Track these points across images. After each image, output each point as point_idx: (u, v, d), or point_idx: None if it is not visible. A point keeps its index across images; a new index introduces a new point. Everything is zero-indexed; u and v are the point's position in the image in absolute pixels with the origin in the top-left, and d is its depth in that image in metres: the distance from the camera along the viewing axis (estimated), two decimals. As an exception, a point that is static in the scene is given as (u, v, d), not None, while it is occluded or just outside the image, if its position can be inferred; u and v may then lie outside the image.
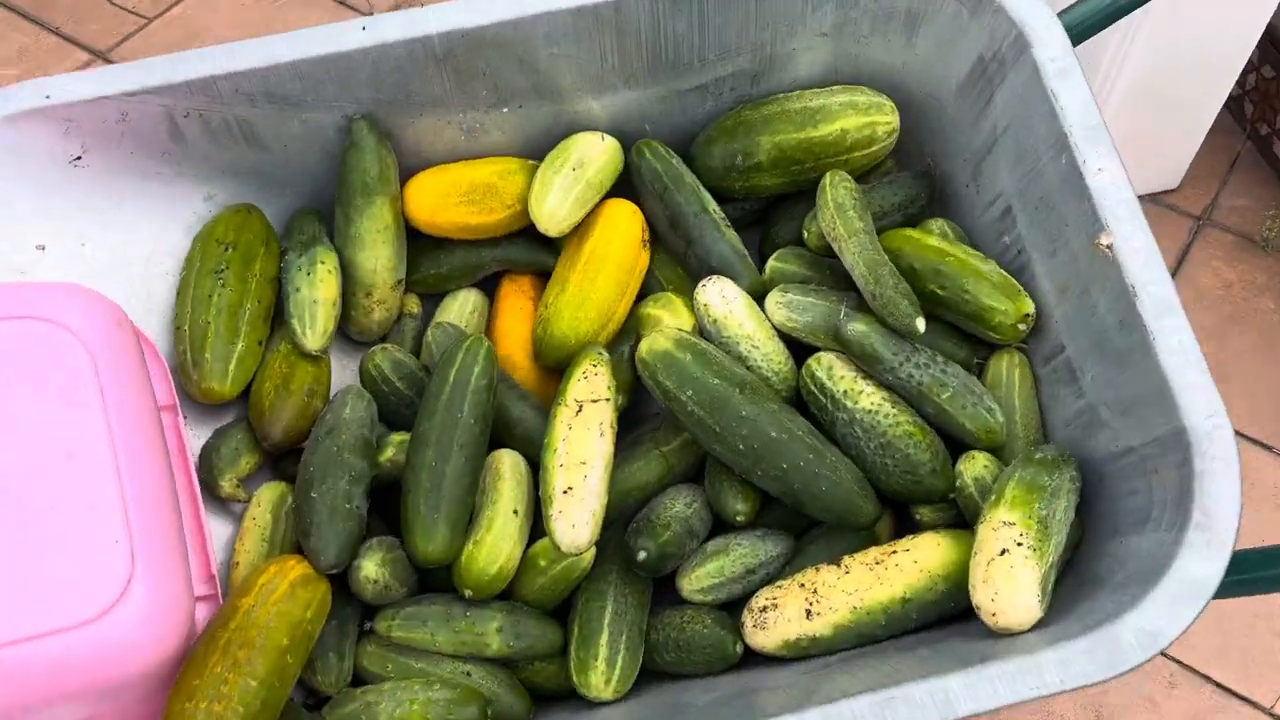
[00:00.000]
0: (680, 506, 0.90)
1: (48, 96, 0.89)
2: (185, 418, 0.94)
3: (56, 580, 0.70)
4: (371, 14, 1.75)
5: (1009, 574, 0.75)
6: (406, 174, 1.01)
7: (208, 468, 0.92)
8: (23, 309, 0.77)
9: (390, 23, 0.90)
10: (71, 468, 0.74)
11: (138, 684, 0.73)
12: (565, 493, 0.85)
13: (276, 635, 0.78)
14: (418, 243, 1.04)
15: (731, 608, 0.89)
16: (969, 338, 0.93)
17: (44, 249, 0.92)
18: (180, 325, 0.93)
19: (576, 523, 0.84)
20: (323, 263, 0.96)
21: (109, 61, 2.06)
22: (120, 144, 0.93)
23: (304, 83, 0.92)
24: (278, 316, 0.98)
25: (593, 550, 0.87)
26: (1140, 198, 0.81)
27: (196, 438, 0.95)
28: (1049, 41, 0.86)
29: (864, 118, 0.96)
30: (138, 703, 0.77)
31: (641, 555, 0.86)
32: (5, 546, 0.69)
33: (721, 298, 0.93)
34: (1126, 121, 1.54)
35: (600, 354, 0.92)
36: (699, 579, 0.88)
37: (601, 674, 0.85)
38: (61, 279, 0.91)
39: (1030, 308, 0.88)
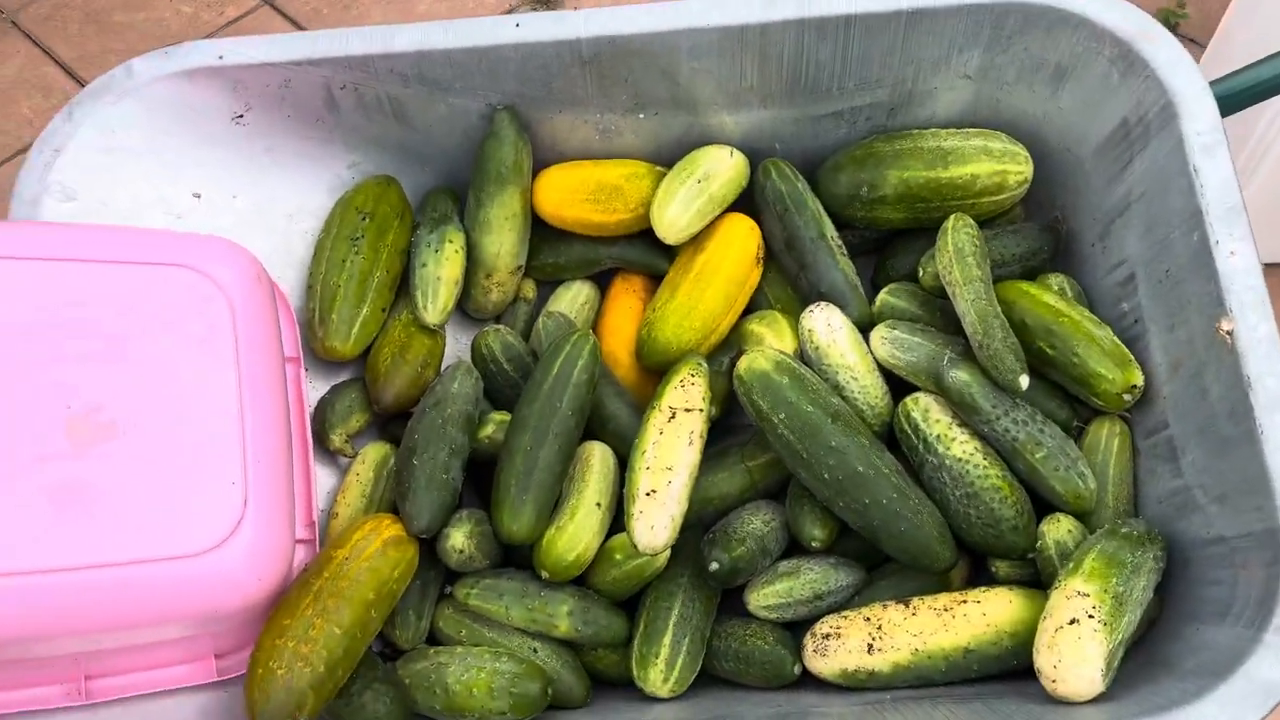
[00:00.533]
0: (758, 523, 0.93)
1: (221, 57, 0.95)
2: (307, 371, 1.00)
3: (177, 512, 0.76)
4: (552, 5, 1.77)
5: (1075, 644, 0.75)
6: (539, 165, 1.05)
7: (321, 421, 0.98)
8: (175, 257, 0.84)
9: (542, 22, 0.93)
10: (201, 409, 0.80)
11: (236, 615, 0.79)
12: (649, 495, 0.88)
13: (364, 589, 0.83)
14: (540, 232, 1.08)
15: (795, 629, 0.91)
16: (1073, 400, 0.93)
17: (199, 197, 0.99)
18: (313, 284, 0.99)
19: (656, 525, 0.87)
20: (450, 242, 1.01)
21: (279, 9, 2.16)
22: (280, 107, 0.99)
23: (454, 70, 0.96)
24: (403, 287, 1.03)
25: (668, 552, 0.90)
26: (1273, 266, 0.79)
27: (314, 390, 1.01)
28: (1198, 115, 0.84)
29: (996, 164, 0.96)
30: (232, 632, 0.83)
31: (714, 566, 0.89)
32: (135, 477, 0.75)
33: (827, 325, 0.94)
34: (1273, 190, 1.49)
35: (700, 364, 0.94)
36: (766, 596, 0.90)
37: (661, 671, 0.88)
38: (212, 227, 0.97)
39: (1139, 379, 0.87)
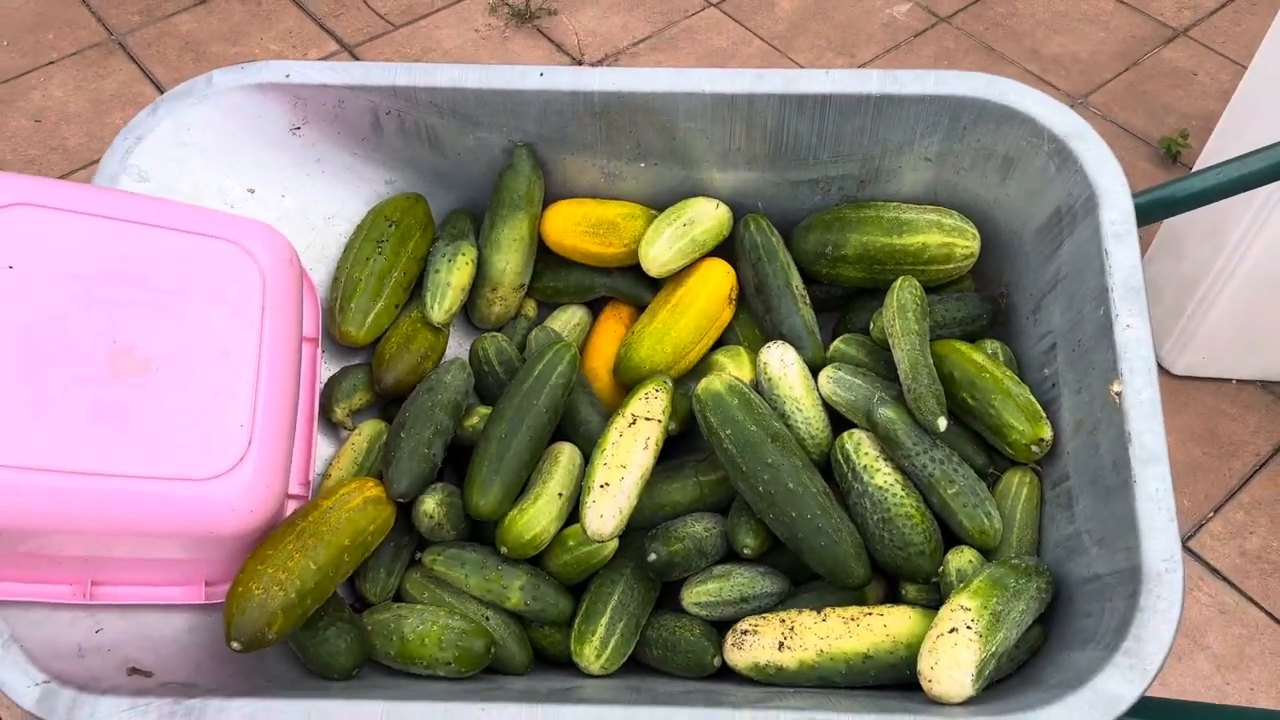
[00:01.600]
0: (699, 529, 1.03)
1: (288, 75, 1.11)
2: (323, 352, 1.13)
3: (191, 442, 0.89)
4: (582, 61, 1.97)
5: (951, 650, 0.85)
6: (550, 198, 1.19)
7: (328, 395, 1.11)
8: (222, 232, 0.98)
9: (563, 75, 1.08)
10: (224, 361, 0.93)
11: (228, 541, 0.91)
12: (602, 487, 0.99)
13: (341, 535, 0.94)
14: (546, 258, 1.22)
15: (722, 628, 1.01)
16: (991, 450, 1.03)
17: (253, 193, 1.14)
18: (338, 276, 1.13)
19: (605, 514, 0.98)
20: (463, 254, 1.15)
21: (354, 55, 2.37)
22: (332, 124, 1.14)
23: (484, 108, 1.11)
24: (417, 290, 1.17)
25: (615, 543, 1.01)
26: (1248, 383, 0.89)
27: (326, 369, 1.15)
28: (1115, 206, 0.96)
29: (946, 237, 1.08)
30: (221, 561, 0.95)
31: (652, 557, 0.99)
32: (160, 407, 0.88)
33: (780, 361, 1.06)
34: (1245, 304, 1.58)
35: (665, 382, 1.06)
36: (698, 594, 1.01)
37: (595, 648, 0.98)
38: (259, 219, 1.12)
39: (1046, 433, 0.97)
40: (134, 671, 0.89)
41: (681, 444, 1.16)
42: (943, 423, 0.97)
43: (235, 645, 0.87)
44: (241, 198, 1.13)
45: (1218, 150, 1.69)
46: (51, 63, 2.32)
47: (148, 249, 0.94)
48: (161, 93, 2.22)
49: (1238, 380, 1.76)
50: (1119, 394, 0.89)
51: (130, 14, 2.43)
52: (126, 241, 0.93)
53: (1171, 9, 2.43)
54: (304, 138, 1.15)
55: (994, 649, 0.85)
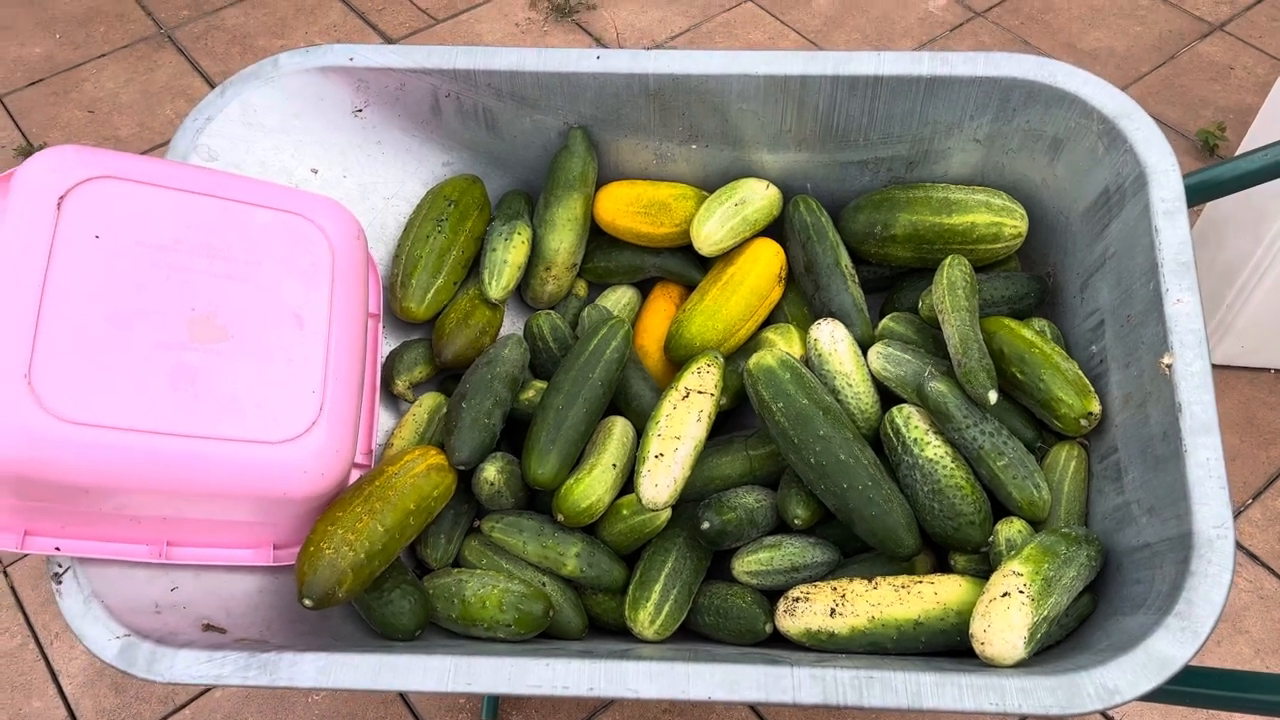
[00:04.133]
0: (750, 499, 1.06)
1: (351, 59, 1.14)
2: (384, 326, 1.17)
3: (266, 406, 0.92)
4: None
5: (1004, 613, 0.87)
6: (602, 180, 1.22)
7: (390, 367, 1.14)
8: (293, 206, 1.02)
9: (618, 57, 1.11)
10: (297, 330, 0.97)
11: (299, 503, 0.94)
12: (657, 457, 1.02)
13: (406, 499, 0.98)
14: (597, 239, 1.25)
15: (774, 596, 1.03)
16: (1040, 424, 1.05)
17: (316, 173, 1.18)
18: (399, 254, 1.17)
19: (659, 484, 1.01)
20: (519, 234, 1.18)
21: (395, 49, 2.41)
22: (394, 107, 1.18)
23: (541, 90, 1.14)
24: (474, 267, 1.20)
25: (668, 512, 1.03)
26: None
27: (388, 344, 1.18)
28: (1165, 184, 0.98)
29: (994, 217, 1.10)
30: (290, 524, 0.98)
31: (705, 525, 1.02)
32: (237, 373, 0.92)
33: (831, 337, 1.08)
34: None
35: (716, 357, 1.09)
36: (749, 563, 1.03)
37: (649, 614, 1.00)
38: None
39: (1095, 407, 0.99)
40: (209, 628, 0.93)
41: (730, 421, 1.18)
42: (993, 396, 0.99)
43: (307, 602, 0.90)
44: (305, 177, 1.16)
45: (1256, 143, 1.70)
46: (103, 55, 2.37)
47: (223, 221, 0.97)
48: (211, 84, 2.27)
49: (1276, 370, 1.77)
50: (1169, 366, 0.91)
51: (178, 8, 2.48)
52: (203, 214, 0.97)
53: (1208, 4, 2.43)
54: (366, 120, 1.19)
55: (1046, 613, 0.87)
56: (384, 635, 0.99)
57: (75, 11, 2.47)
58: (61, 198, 0.90)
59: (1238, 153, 1.78)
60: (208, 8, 2.47)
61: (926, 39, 2.36)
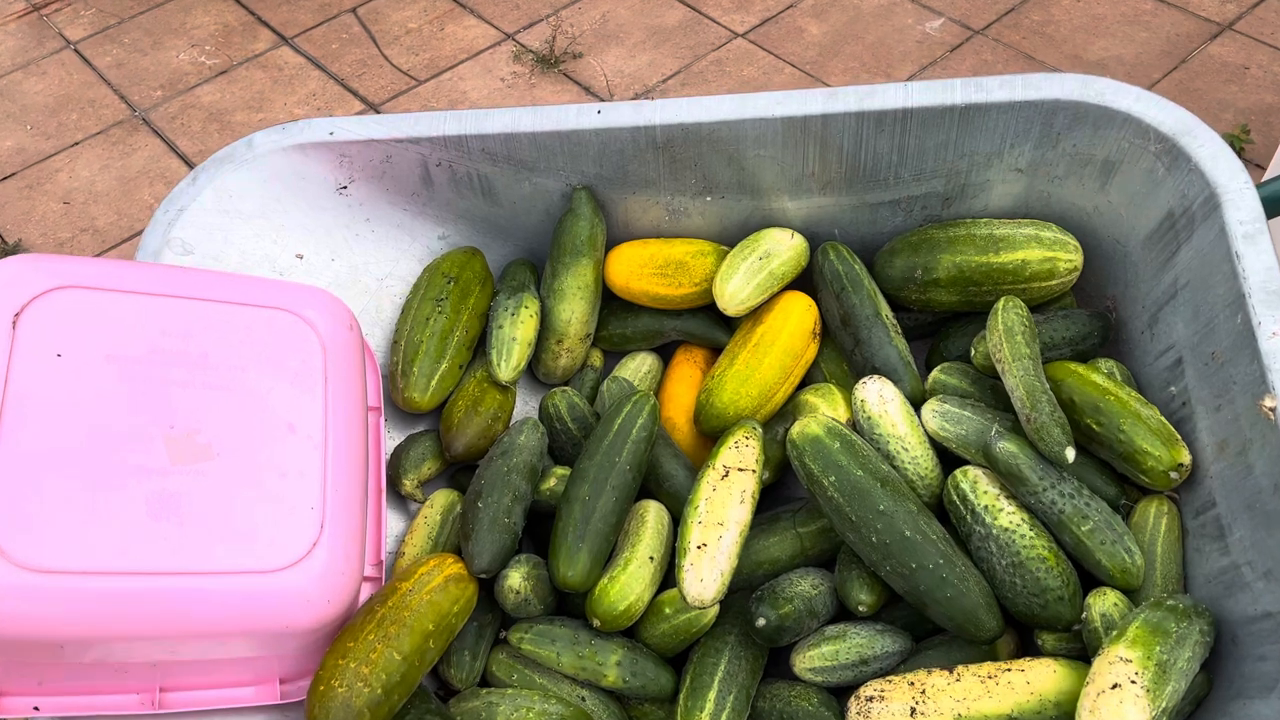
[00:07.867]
0: (806, 586, 0.95)
1: (331, 133, 1.06)
2: (386, 420, 1.06)
3: (259, 530, 0.82)
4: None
5: (1117, 708, 0.75)
6: (612, 242, 1.13)
7: (395, 466, 1.04)
8: (277, 301, 0.92)
9: (620, 110, 1.02)
10: (290, 438, 0.86)
11: (305, 634, 0.84)
12: (699, 548, 0.91)
13: (424, 620, 0.87)
14: (611, 304, 1.15)
15: (841, 694, 0.92)
16: (1121, 478, 0.94)
17: (302, 258, 1.08)
18: (398, 340, 1.07)
19: (705, 578, 0.90)
20: (526, 307, 1.08)
21: (380, 113, 2.33)
22: (381, 180, 1.09)
23: (539, 151, 1.05)
24: (480, 347, 1.10)
25: (716, 608, 0.93)
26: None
27: (391, 439, 1.08)
28: (1240, 205, 0.88)
29: (1047, 252, 1.00)
30: (297, 656, 0.87)
31: (760, 622, 0.91)
32: (225, 495, 0.82)
33: (880, 397, 0.98)
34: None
35: (754, 428, 0.98)
36: (812, 659, 0.92)
37: (704, 727, 0.89)
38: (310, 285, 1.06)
39: (1185, 458, 0.89)
40: (212, 785, 0.82)
41: (769, 493, 1.08)
42: (1070, 453, 0.88)
43: (320, 752, 0.79)
44: (290, 264, 1.07)
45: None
46: (76, 144, 2.30)
47: (200, 324, 0.88)
48: (190, 165, 2.19)
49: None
50: (1273, 409, 0.80)
51: (152, 89, 2.41)
52: (177, 318, 0.87)
53: (1213, 3, 2.36)
54: (351, 197, 1.09)
55: (1164, 704, 0.76)
56: (409, 774, 0.88)
57: (45, 101, 2.40)
58: (17, 315, 0.81)
59: (1274, 159, 1.69)
60: (181, 86, 2.40)
61: (928, 61, 2.29)
